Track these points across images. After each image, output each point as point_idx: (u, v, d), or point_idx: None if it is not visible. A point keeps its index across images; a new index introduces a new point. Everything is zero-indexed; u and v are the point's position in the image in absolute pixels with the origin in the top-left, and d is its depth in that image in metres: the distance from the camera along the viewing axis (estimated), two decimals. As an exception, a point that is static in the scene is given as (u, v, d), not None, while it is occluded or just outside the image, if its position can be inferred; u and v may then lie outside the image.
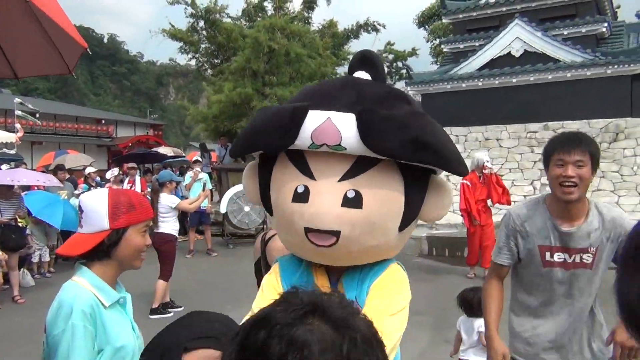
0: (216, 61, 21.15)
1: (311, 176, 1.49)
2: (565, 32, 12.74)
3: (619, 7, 16.71)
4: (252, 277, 8.64)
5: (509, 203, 8.09)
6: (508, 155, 12.25)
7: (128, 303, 1.85)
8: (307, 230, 1.48)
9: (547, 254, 2.35)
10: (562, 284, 2.36)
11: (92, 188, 10.98)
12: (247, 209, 10.91)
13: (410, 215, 1.54)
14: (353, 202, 1.46)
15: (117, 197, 1.77)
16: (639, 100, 11.54)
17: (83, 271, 1.74)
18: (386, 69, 25.83)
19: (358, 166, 1.47)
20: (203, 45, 20.90)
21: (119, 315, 1.76)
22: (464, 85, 13.22)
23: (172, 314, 6.55)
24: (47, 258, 8.91)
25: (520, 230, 2.40)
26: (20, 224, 7.54)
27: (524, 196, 11.19)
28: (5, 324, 6.19)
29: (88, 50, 3.16)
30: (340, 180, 1.47)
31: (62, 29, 2.63)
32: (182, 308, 6.78)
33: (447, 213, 1.67)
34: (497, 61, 13.18)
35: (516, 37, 12.86)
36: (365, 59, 1.70)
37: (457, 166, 1.50)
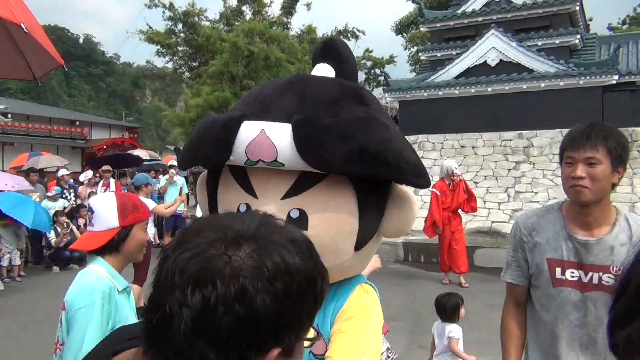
0: (194, 64, 21.04)
1: (254, 194, 1.31)
2: (540, 43, 13.00)
3: (591, 19, 17.14)
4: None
5: (474, 210, 8.19)
6: (483, 163, 12.42)
7: (131, 293, 2.10)
8: None
9: (558, 270, 1.93)
10: (576, 309, 1.91)
11: (64, 191, 10.80)
12: (223, 213, 10.85)
13: (366, 233, 1.35)
14: (297, 223, 1.26)
15: (124, 199, 2.06)
16: (610, 111, 11.83)
17: (98, 261, 1.98)
18: (364, 76, 26.10)
19: (302, 182, 1.28)
20: (181, 48, 20.78)
21: (126, 301, 2.01)
22: (440, 93, 13.38)
23: None
24: (17, 262, 8.72)
25: (527, 242, 2.02)
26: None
27: (498, 203, 11.36)
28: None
29: (65, 67, 3.25)
30: (282, 199, 1.29)
31: (36, 42, 2.70)
32: None
33: (412, 226, 1.46)
34: (473, 70, 13.37)
35: (492, 47, 13.08)
36: (326, 49, 1.50)
37: (413, 178, 1.28)
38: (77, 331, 1.81)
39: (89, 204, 2.11)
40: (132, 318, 1.97)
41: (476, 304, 7.07)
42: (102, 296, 1.85)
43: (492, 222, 10.90)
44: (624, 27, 28.75)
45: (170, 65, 22.41)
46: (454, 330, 3.90)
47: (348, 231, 1.32)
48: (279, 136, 1.22)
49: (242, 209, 1.31)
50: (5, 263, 8.52)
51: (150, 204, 6.91)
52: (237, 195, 1.34)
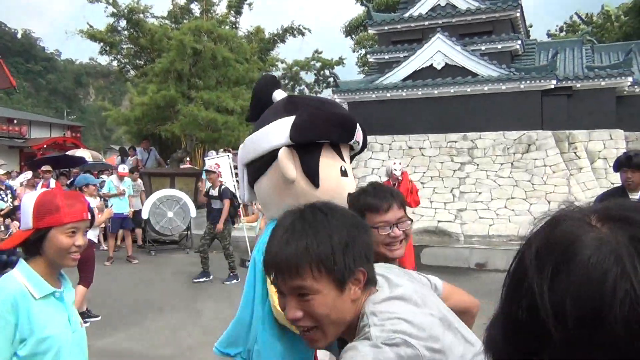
0: (139, 62, 20.54)
1: (343, 160, 2.18)
2: (483, 48, 13.41)
3: (531, 26, 17.81)
4: (174, 285, 8.44)
5: (417, 204, 8.36)
6: (430, 164, 12.69)
7: (67, 297, 1.96)
8: (349, 195, 2.12)
9: None
10: None
11: (0, 192, 10.31)
12: (170, 214, 10.64)
13: None
14: (345, 174, 2.21)
15: (45, 198, 1.88)
16: (549, 114, 12.34)
17: (20, 264, 1.88)
18: (313, 77, 26.14)
19: (348, 153, 2.26)
20: (125, 46, 20.22)
21: (53, 308, 1.86)
22: (388, 95, 13.58)
23: (88, 324, 6.24)
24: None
25: None
26: None
27: (444, 203, 11.63)
28: None
29: (16, 89, 3.06)
30: (349, 163, 2.26)
31: None
32: (99, 317, 6.49)
33: None
34: (420, 73, 13.65)
35: (438, 51, 13.39)
36: (275, 83, 2.43)
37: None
38: None
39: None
40: (57, 324, 1.85)
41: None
42: (3, 308, 1.72)
43: (439, 221, 11.16)
44: (562, 34, 30.06)
45: (114, 63, 21.80)
46: None
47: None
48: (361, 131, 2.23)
49: (343, 169, 2.17)
50: None
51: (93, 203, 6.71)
52: (337, 161, 2.16)
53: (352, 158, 2.32)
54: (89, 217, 1.97)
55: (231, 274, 8.53)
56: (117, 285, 8.23)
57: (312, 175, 2.11)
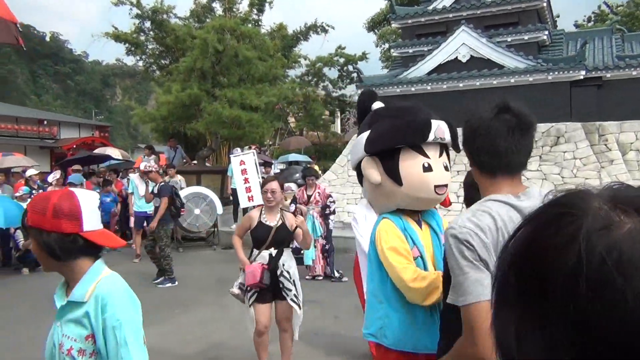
0: (164, 62, 20.77)
1: (427, 157, 2.54)
2: (509, 39, 13.18)
3: (558, 16, 17.44)
4: (202, 281, 8.53)
5: (446, 204, 8.26)
6: (456, 158, 12.54)
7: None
8: (436, 187, 2.54)
9: None
10: None
11: (33, 191, 10.56)
12: (197, 211, 10.74)
13: None
14: (446, 168, 2.65)
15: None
16: (578, 106, 12.07)
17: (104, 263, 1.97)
18: (337, 73, 26.11)
19: (442, 149, 2.63)
20: (150, 46, 20.48)
21: None
22: (413, 89, 13.47)
23: None
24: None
25: None
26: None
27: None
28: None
29: (24, 47, 3.15)
30: (440, 157, 2.60)
31: None
32: None
33: None
34: (445, 66, 13.49)
35: (462, 43, 13.21)
36: (373, 95, 3.01)
37: (458, 146, 2.63)
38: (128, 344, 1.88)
39: (99, 200, 2.07)
40: None
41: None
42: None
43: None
44: (589, 24, 29.38)
45: (140, 63, 22.10)
46: None
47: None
48: (444, 126, 2.59)
49: (426, 165, 2.53)
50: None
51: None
52: (418, 158, 2.54)
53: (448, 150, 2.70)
54: None
55: (165, 277, 8.22)
56: (146, 282, 8.35)
57: (394, 176, 2.56)
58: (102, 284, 1.83)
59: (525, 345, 0.55)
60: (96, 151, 18.13)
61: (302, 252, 8.80)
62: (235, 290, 4.44)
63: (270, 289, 4.35)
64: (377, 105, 2.84)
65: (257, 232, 4.41)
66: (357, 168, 2.73)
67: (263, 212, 4.46)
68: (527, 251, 0.58)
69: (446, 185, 2.63)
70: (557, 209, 0.58)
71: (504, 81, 12.57)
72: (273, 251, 4.37)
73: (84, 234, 1.79)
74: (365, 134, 2.63)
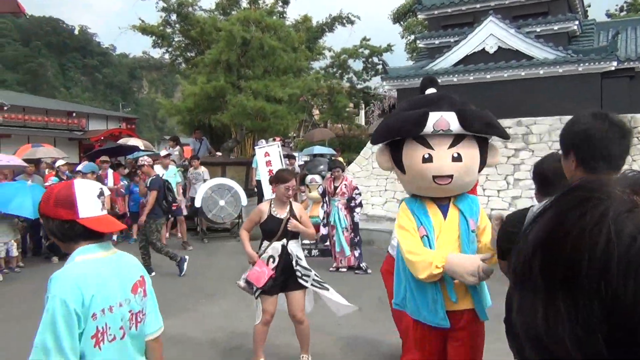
0: (190, 55, 20.90)
1: (431, 148, 2.74)
2: (538, 30, 12.90)
3: (589, 6, 17.01)
4: (226, 272, 8.61)
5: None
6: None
7: None
8: (435, 177, 2.75)
9: None
10: None
11: (62, 181, 10.76)
12: (222, 203, 10.81)
13: (482, 163, 2.88)
14: (458, 159, 2.76)
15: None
16: (609, 98, 11.77)
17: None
18: (362, 65, 25.95)
19: (457, 140, 2.75)
20: (176, 39, 20.63)
21: None
22: (439, 80, 13.30)
23: None
24: (14, 253, 8.69)
25: None
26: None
27: (498, 191, 11.34)
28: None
29: (26, 15, 3.24)
30: (449, 148, 2.76)
31: None
32: None
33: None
34: (471, 57, 13.29)
35: (490, 34, 12.98)
36: (432, 81, 3.15)
37: (502, 133, 2.89)
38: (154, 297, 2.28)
39: (101, 189, 2.08)
40: None
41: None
42: None
43: (492, 209, 10.88)
44: (622, 14, 28.59)
45: (166, 56, 22.28)
46: None
47: (477, 162, 2.85)
48: (450, 118, 2.72)
49: (426, 156, 2.74)
50: (2, 254, 8.49)
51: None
52: (419, 150, 2.76)
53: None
54: None
55: (178, 263, 8.25)
56: (172, 272, 8.44)
57: (398, 164, 2.87)
58: (65, 267, 1.97)
59: (555, 329, 0.55)
60: (120, 141, 18.38)
61: (326, 243, 8.81)
62: (242, 283, 4.53)
63: (280, 281, 4.39)
64: (429, 91, 3.04)
65: (268, 224, 4.48)
66: None
67: (273, 205, 4.53)
68: (552, 235, 0.57)
69: (450, 176, 2.76)
70: (580, 193, 0.59)
71: (532, 73, 12.33)
72: (285, 242, 4.44)
73: (80, 220, 1.93)
74: None
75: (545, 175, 2.69)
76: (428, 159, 2.73)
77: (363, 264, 8.28)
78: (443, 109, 2.73)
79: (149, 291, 2.21)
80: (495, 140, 11.39)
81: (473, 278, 2.64)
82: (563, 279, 0.55)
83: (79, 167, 11.63)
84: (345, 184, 8.39)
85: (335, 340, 5.28)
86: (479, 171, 2.91)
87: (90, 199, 1.97)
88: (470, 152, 2.80)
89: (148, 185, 8.28)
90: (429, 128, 2.68)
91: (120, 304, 1.99)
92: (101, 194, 2.04)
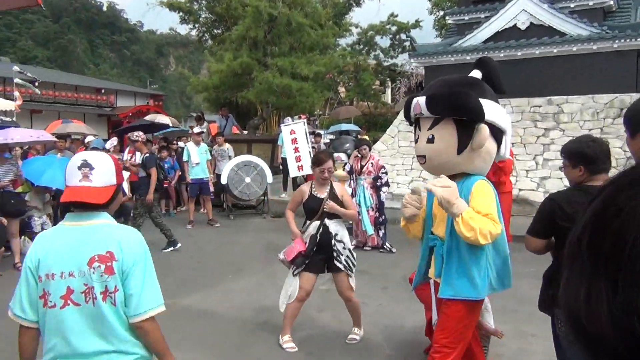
0: (217, 31, 20.89)
1: (419, 130, 3.08)
2: (572, 5, 12.50)
3: (627, -21, 16.34)
4: (253, 248, 8.68)
5: (502, 183, 8.00)
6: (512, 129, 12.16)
7: None
8: (417, 157, 3.13)
9: None
10: None
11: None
12: (247, 180, 10.88)
13: (462, 145, 2.89)
14: (431, 140, 2.97)
15: (115, 160, 2.20)
16: (645, 76, 11.40)
17: (107, 215, 2.15)
18: (389, 42, 25.62)
19: (434, 123, 2.95)
20: (203, 15, 20.62)
21: None
22: (468, 58, 13.04)
23: None
24: (49, 226, 8.92)
25: None
26: (18, 191, 7.50)
27: (526, 171, 11.15)
28: (7, 290, 6.21)
29: (42, 6, 3.31)
30: (428, 130, 3.00)
31: None
32: None
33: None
34: (502, 34, 12.98)
35: (522, 10, 12.63)
36: (479, 62, 3.33)
37: (472, 115, 2.85)
38: (148, 275, 2.09)
39: (85, 160, 2.07)
40: None
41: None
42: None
43: (520, 189, 10.73)
44: (662, -13, 27.51)
45: (193, 33, 22.32)
46: None
47: (451, 144, 2.92)
48: (422, 101, 2.97)
49: (416, 137, 3.11)
50: (37, 229, 8.71)
51: None
52: (415, 131, 3.14)
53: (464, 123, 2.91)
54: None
55: (168, 242, 8.28)
56: (199, 248, 8.58)
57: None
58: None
59: (595, 308, 0.55)
60: (146, 118, 18.55)
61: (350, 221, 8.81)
62: (281, 256, 4.63)
63: (318, 259, 4.44)
64: (473, 73, 3.21)
65: (309, 204, 4.59)
66: None
67: (313, 185, 4.65)
68: (604, 211, 0.57)
69: (423, 156, 3.07)
70: (634, 173, 0.58)
71: (565, 49, 11.99)
72: (326, 221, 4.51)
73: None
74: None
75: (588, 155, 2.80)
76: (415, 140, 3.14)
77: (387, 244, 8.26)
78: (423, 94, 3.01)
79: (121, 270, 2.01)
80: (524, 120, 11.13)
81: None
82: (607, 257, 0.54)
83: (107, 144, 11.80)
84: (372, 163, 8.33)
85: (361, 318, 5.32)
86: (459, 153, 2.92)
87: (71, 170, 2.06)
88: (444, 134, 2.91)
89: (144, 162, 8.32)
90: (412, 112, 3.07)
91: (71, 274, 1.97)
92: (83, 165, 2.05)
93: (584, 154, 2.84)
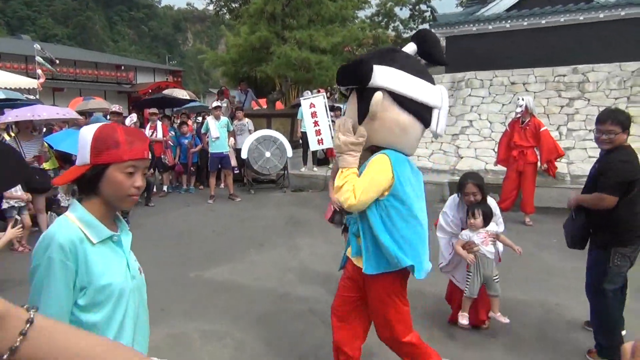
0: (234, 5, 20.72)
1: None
2: (599, -30, 12.11)
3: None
4: (275, 222, 8.74)
5: (545, 161, 7.96)
6: (534, 100, 11.91)
7: (125, 241, 1.81)
8: None
9: None
10: None
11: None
12: (267, 154, 10.89)
13: (361, 115, 2.75)
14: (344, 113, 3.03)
15: (104, 132, 1.68)
16: (675, 42, 11.04)
17: (74, 206, 1.72)
18: (409, 12, 25.10)
19: (348, 95, 2.90)
20: (221, -12, 20.46)
21: (111, 253, 1.72)
22: (490, 27, 12.76)
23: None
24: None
25: None
26: (43, 167, 7.62)
27: (550, 142, 10.95)
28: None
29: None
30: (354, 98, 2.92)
31: None
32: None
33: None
34: (526, 1, 12.64)
35: (547, -25, 12.27)
36: (415, 36, 3.04)
37: (354, 82, 2.78)
38: (34, 294, 1.58)
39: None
40: (116, 271, 1.71)
41: (524, 244, 6.96)
42: (59, 251, 1.57)
43: (542, 161, 10.55)
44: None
45: (210, 7, 22.17)
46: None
47: (352, 115, 2.82)
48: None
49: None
50: (65, 204, 8.94)
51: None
52: None
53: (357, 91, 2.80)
54: (149, 156, 1.80)
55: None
56: (220, 222, 8.66)
57: None
58: None
59: None
60: (165, 92, 18.61)
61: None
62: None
63: None
64: (406, 47, 3.00)
65: None
66: None
67: None
68: None
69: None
70: None
71: (591, 16, 11.65)
72: None
73: None
74: None
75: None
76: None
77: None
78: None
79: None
80: (548, 90, 10.89)
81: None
82: None
83: (127, 120, 11.89)
84: None
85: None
86: (360, 123, 2.75)
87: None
88: (350, 105, 2.85)
89: None
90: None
91: None
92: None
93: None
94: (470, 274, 4.14)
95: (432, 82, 2.79)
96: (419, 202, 2.81)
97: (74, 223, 1.65)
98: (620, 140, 3.63)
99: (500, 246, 4.25)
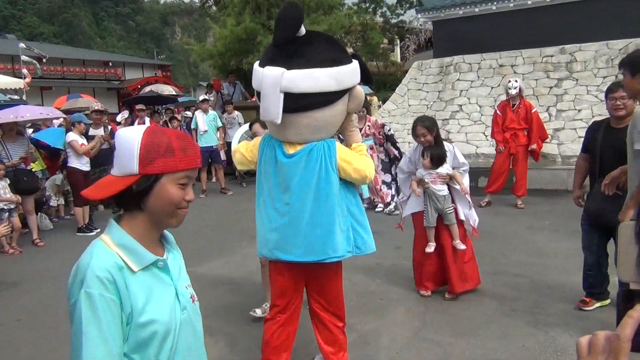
0: (220, -4, 20.53)
1: None
2: (584, -52, 12.04)
3: None
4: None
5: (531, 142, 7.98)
6: (523, 82, 11.90)
7: (172, 265, 1.55)
8: None
9: None
10: None
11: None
12: (258, 146, 10.85)
13: None
14: None
15: (154, 137, 1.42)
16: (662, 18, 11.02)
17: (111, 227, 1.46)
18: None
19: None
20: (205, -20, 20.28)
21: (155, 282, 1.45)
22: (477, 10, 12.70)
23: (94, 232, 7.73)
24: (63, 202, 9.15)
25: None
26: (30, 168, 7.58)
27: (539, 123, 10.95)
28: (27, 266, 6.34)
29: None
30: None
31: None
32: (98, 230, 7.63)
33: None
34: (512, -18, 12.58)
35: (532, -44, 12.20)
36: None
37: None
38: (75, 340, 1.32)
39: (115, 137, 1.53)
40: (161, 304, 1.43)
41: (516, 227, 6.99)
42: (97, 284, 1.31)
43: (533, 143, 10.56)
44: None
45: (197, 0, 21.97)
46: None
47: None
48: None
49: None
50: (54, 204, 8.93)
51: (69, 137, 7.67)
52: None
53: None
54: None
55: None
56: (213, 216, 8.64)
57: None
58: None
59: None
60: (151, 88, 18.46)
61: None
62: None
63: None
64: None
65: None
66: None
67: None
68: None
69: None
70: None
71: (579, -5, 11.61)
72: None
73: None
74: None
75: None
76: None
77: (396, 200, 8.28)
78: None
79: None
80: (536, 71, 10.87)
81: None
82: None
83: (118, 117, 11.82)
84: (369, 125, 8.15)
85: (375, 277, 5.37)
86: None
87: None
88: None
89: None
90: None
91: None
92: None
93: None
94: (426, 206, 4.62)
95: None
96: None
97: (111, 248, 1.40)
98: (632, 106, 3.97)
99: (474, 220, 4.64)
